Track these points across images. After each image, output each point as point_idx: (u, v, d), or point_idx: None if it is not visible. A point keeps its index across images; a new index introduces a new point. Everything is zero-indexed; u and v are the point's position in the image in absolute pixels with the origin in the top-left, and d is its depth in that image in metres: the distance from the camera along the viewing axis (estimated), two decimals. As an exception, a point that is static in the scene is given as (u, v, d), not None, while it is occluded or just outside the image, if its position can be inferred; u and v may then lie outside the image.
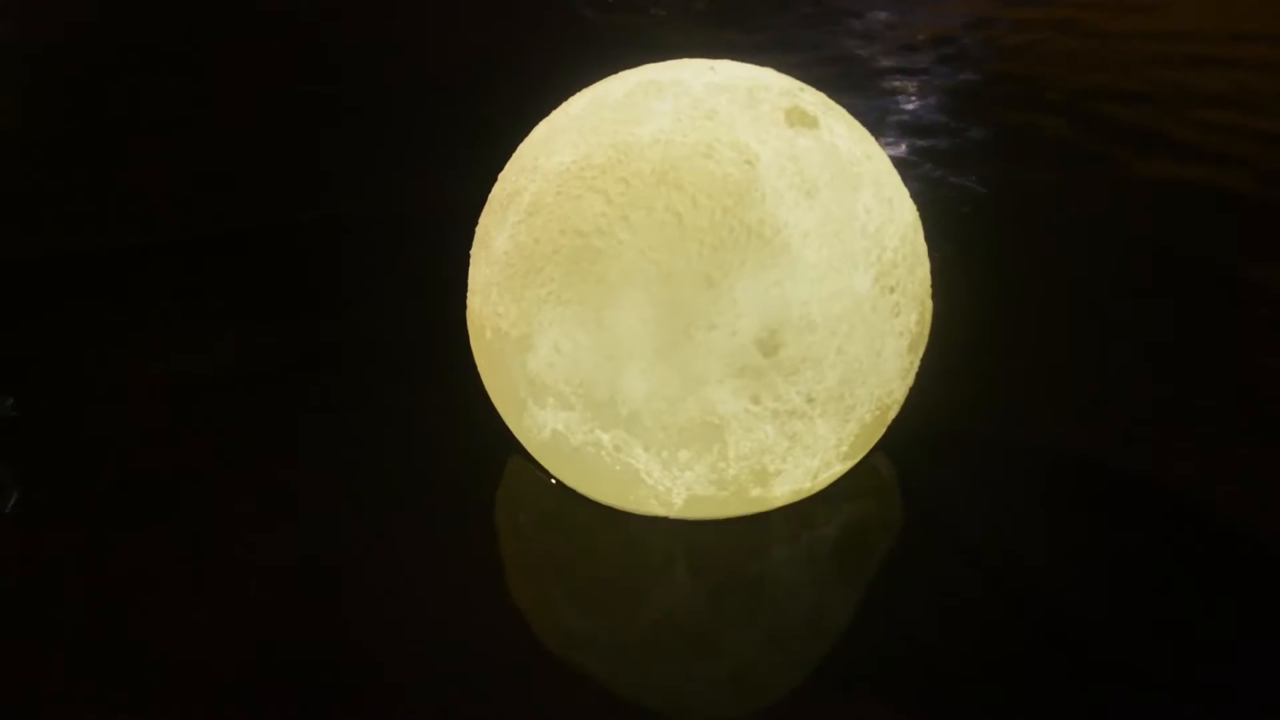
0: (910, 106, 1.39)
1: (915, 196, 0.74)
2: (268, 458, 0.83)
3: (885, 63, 1.49)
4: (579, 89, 0.74)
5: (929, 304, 0.73)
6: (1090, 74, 1.54)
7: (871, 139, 0.72)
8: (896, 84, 1.45)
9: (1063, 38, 1.49)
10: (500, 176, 0.72)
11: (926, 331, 0.73)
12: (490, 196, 0.72)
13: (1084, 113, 1.42)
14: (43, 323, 0.97)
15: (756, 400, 0.64)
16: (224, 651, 0.68)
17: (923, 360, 0.75)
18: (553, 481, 0.75)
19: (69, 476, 0.81)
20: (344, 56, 1.42)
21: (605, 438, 0.66)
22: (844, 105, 0.73)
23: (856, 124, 0.72)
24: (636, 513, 0.72)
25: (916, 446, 0.82)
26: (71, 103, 1.31)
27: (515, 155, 0.72)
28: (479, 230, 0.72)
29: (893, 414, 0.73)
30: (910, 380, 0.73)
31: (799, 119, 0.67)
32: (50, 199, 1.13)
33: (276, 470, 0.82)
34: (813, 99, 0.70)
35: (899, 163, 0.87)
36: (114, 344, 0.94)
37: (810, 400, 0.65)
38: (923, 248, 0.73)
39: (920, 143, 1.33)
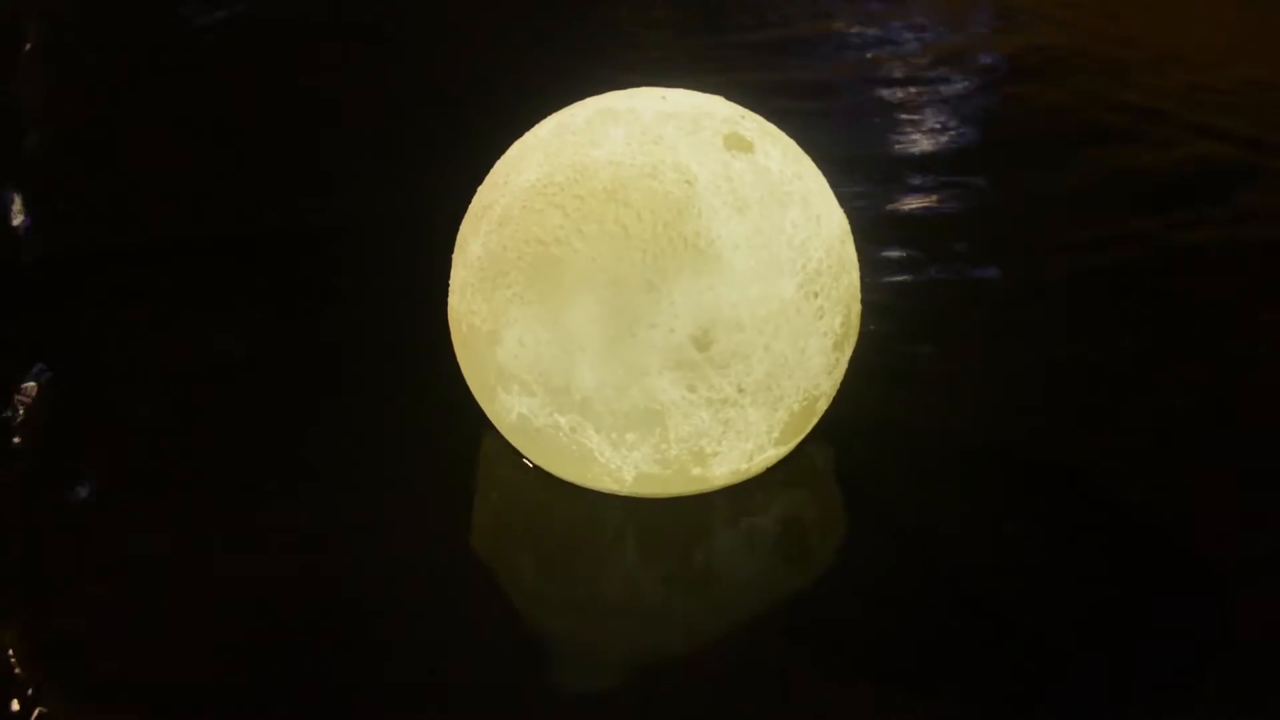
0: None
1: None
2: (271, 438, 0.92)
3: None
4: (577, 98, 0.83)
5: (856, 308, 0.82)
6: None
7: (807, 160, 0.82)
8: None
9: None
10: (478, 190, 0.82)
11: (853, 332, 0.83)
12: (470, 208, 0.82)
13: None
14: (58, 316, 1.06)
15: (693, 389, 0.73)
16: (231, 606, 0.79)
17: (860, 356, 0.84)
18: (529, 465, 0.84)
19: (86, 452, 0.91)
20: (346, 61, 1.52)
21: (563, 420, 0.76)
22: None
23: (794, 147, 0.82)
24: (594, 488, 0.82)
25: (850, 435, 0.91)
26: (86, 101, 1.41)
27: (491, 172, 0.82)
28: (459, 237, 0.82)
29: (822, 405, 0.82)
30: (839, 375, 0.82)
31: (736, 144, 0.76)
32: (68, 197, 1.24)
33: (279, 449, 0.92)
34: (752, 125, 0.79)
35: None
36: (127, 337, 1.03)
37: (741, 390, 0.74)
38: (851, 257, 0.82)
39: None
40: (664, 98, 0.79)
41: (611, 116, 0.77)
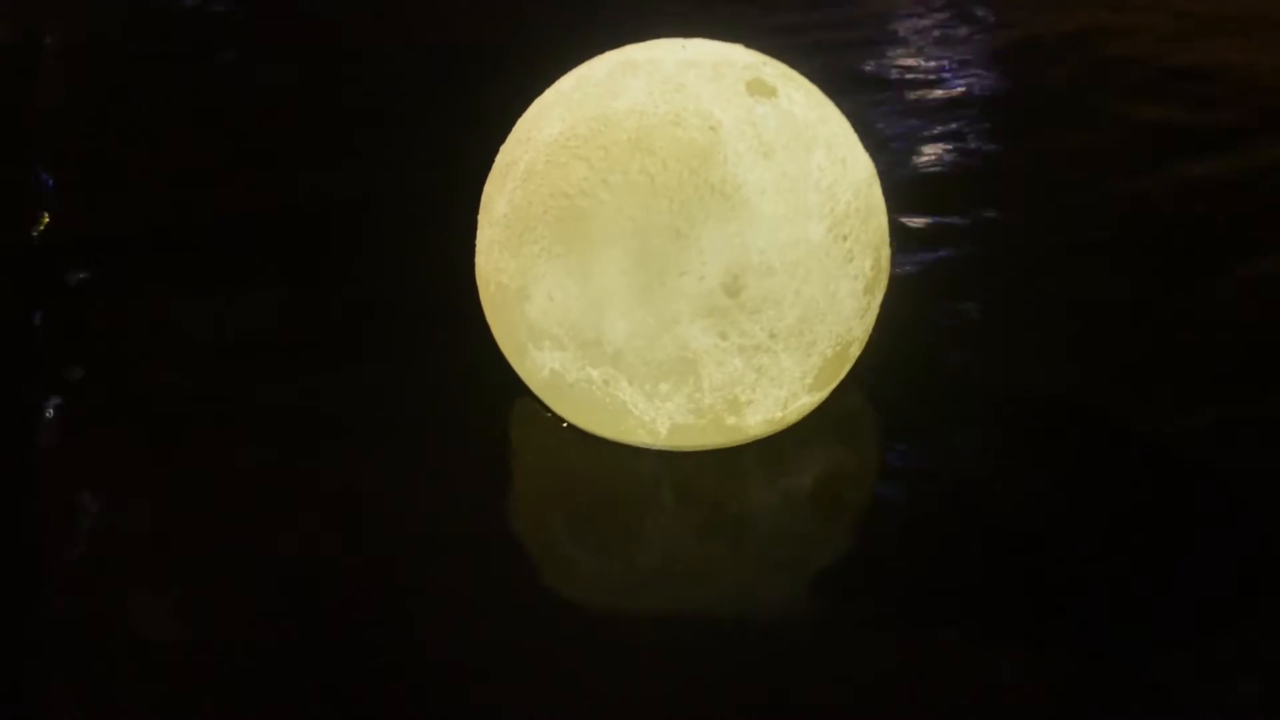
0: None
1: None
2: (302, 405, 0.93)
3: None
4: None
5: (886, 251, 0.82)
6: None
7: (830, 104, 0.81)
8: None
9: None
10: (501, 149, 0.82)
11: (884, 276, 0.82)
12: (493, 166, 0.82)
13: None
14: (91, 292, 1.07)
15: (724, 336, 0.73)
16: (271, 567, 0.79)
17: (890, 302, 0.84)
18: (564, 425, 0.84)
19: (123, 414, 0.92)
20: (366, 44, 1.52)
21: (595, 374, 0.76)
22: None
23: (816, 91, 0.81)
24: (627, 443, 0.81)
25: (884, 383, 0.90)
26: (111, 81, 1.42)
27: (513, 130, 0.82)
28: (484, 196, 0.82)
29: (855, 350, 0.82)
30: (870, 320, 0.82)
31: (759, 89, 0.75)
32: (92, 175, 1.24)
33: (316, 407, 0.92)
34: (774, 71, 0.79)
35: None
36: (160, 309, 1.04)
37: (773, 336, 0.74)
38: (878, 200, 0.81)
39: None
40: (684, 47, 0.79)
41: (632, 68, 0.77)
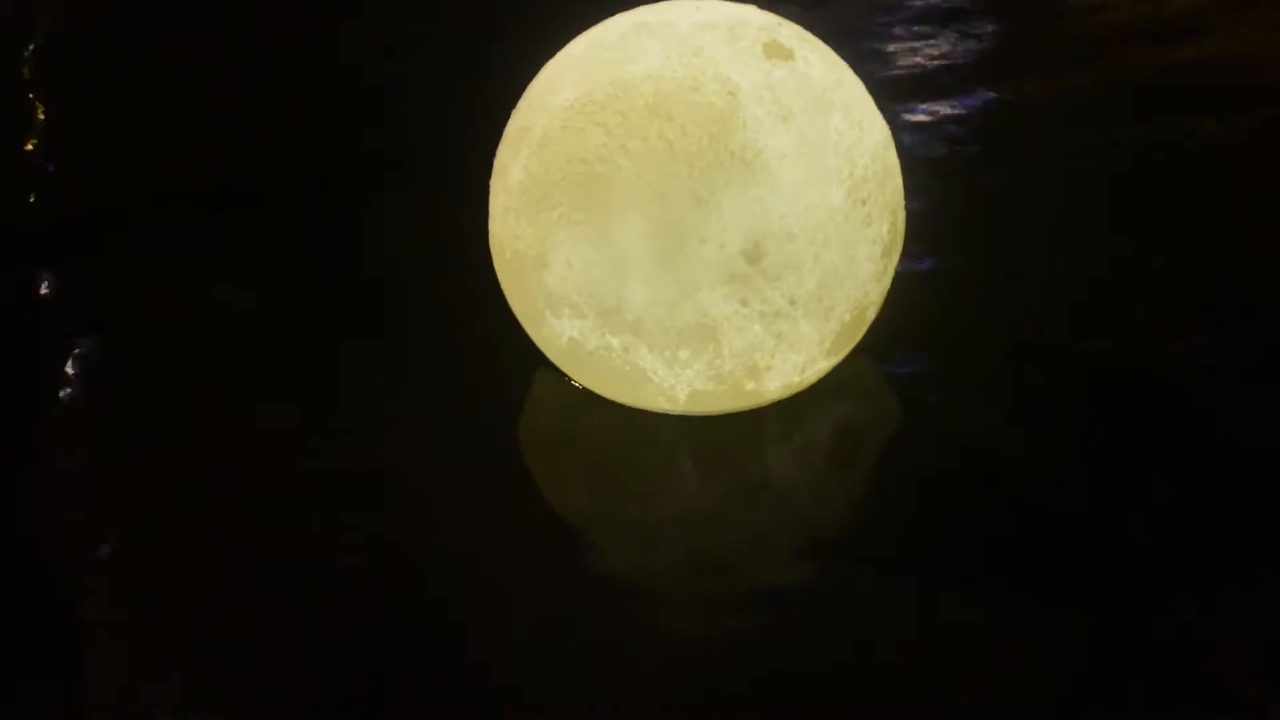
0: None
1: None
2: (319, 376, 0.92)
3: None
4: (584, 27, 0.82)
5: (901, 214, 0.81)
6: None
7: (845, 67, 0.80)
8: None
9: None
10: (513, 114, 0.81)
11: (900, 239, 0.82)
12: (505, 133, 0.81)
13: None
14: (105, 263, 1.06)
15: (745, 303, 0.73)
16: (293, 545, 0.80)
17: (903, 263, 0.84)
18: (576, 385, 0.84)
19: (138, 386, 0.92)
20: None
21: (615, 341, 0.76)
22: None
23: (831, 54, 0.80)
24: (647, 409, 0.82)
25: (893, 344, 0.91)
26: (118, 51, 1.39)
27: (524, 95, 0.81)
28: (496, 163, 0.81)
29: (871, 314, 0.82)
30: (886, 283, 0.82)
31: (775, 52, 0.75)
32: (109, 153, 1.22)
33: (328, 387, 0.92)
34: (790, 33, 0.78)
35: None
36: (178, 276, 1.03)
37: (793, 302, 0.74)
38: (894, 163, 0.81)
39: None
40: (698, 8, 0.78)
41: (646, 30, 0.76)
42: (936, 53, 1.35)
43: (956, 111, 1.25)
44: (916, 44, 1.37)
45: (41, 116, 1.26)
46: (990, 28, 1.40)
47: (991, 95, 1.29)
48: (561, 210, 0.74)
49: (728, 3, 0.80)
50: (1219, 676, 0.71)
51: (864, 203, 0.75)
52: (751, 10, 0.80)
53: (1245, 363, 0.94)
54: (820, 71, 0.76)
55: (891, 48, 1.36)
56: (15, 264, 1.06)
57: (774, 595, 0.78)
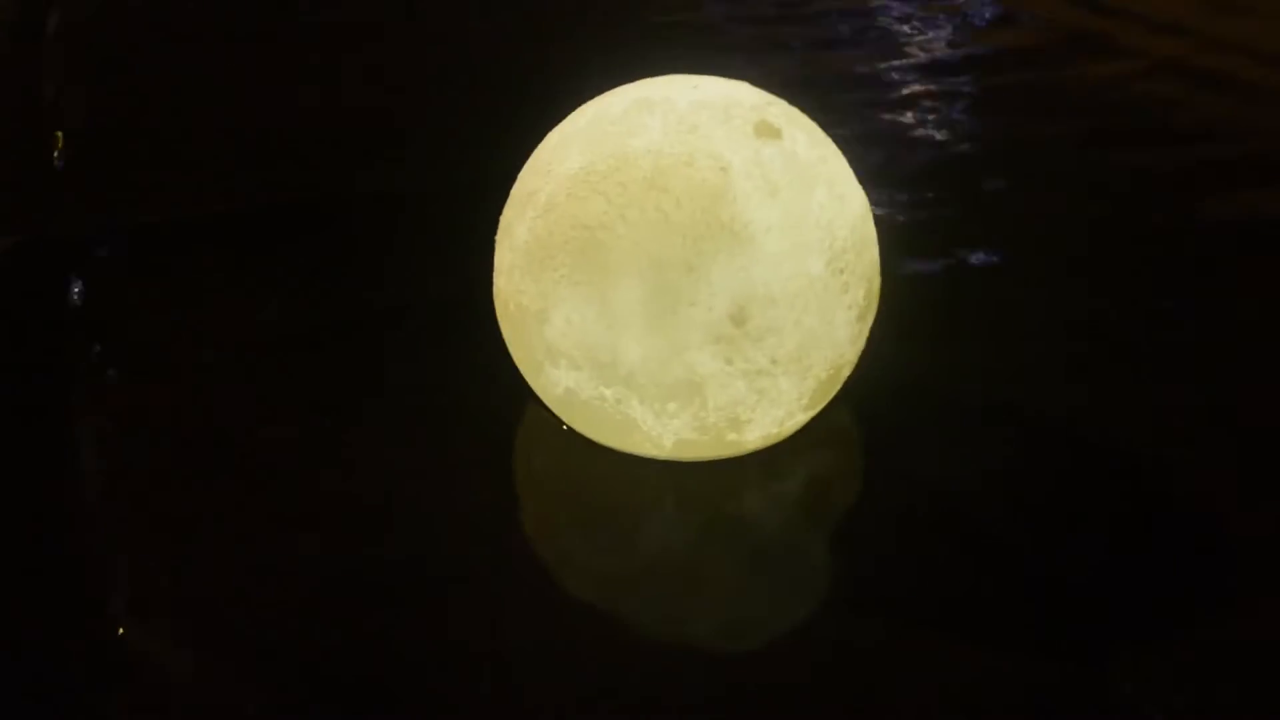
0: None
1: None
2: (328, 402, 0.98)
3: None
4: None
5: (876, 280, 0.88)
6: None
7: (829, 143, 0.87)
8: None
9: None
10: (519, 177, 0.87)
11: (874, 303, 0.88)
12: (511, 194, 0.87)
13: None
14: (121, 291, 1.12)
15: (730, 361, 0.79)
16: (287, 565, 0.85)
17: (878, 324, 0.90)
18: (564, 428, 0.90)
19: (151, 408, 0.97)
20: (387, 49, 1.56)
21: (608, 393, 0.82)
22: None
23: (817, 130, 0.87)
24: (633, 453, 0.88)
25: (872, 400, 0.97)
26: (129, 78, 1.45)
27: (531, 159, 0.87)
28: (503, 221, 0.87)
29: (846, 372, 0.88)
30: (860, 344, 0.88)
31: (765, 131, 0.81)
32: (120, 175, 1.28)
33: (338, 413, 0.98)
34: (779, 112, 0.84)
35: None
36: (187, 306, 1.09)
37: (774, 362, 0.80)
38: (871, 233, 0.87)
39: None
40: (695, 86, 0.84)
41: (647, 106, 0.82)
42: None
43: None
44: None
45: (61, 132, 1.32)
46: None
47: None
48: (564, 271, 0.80)
49: (723, 80, 0.87)
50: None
51: (842, 271, 0.82)
52: (745, 89, 0.86)
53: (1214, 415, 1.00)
54: (805, 148, 0.83)
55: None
56: (34, 276, 1.11)
57: (746, 635, 0.83)
